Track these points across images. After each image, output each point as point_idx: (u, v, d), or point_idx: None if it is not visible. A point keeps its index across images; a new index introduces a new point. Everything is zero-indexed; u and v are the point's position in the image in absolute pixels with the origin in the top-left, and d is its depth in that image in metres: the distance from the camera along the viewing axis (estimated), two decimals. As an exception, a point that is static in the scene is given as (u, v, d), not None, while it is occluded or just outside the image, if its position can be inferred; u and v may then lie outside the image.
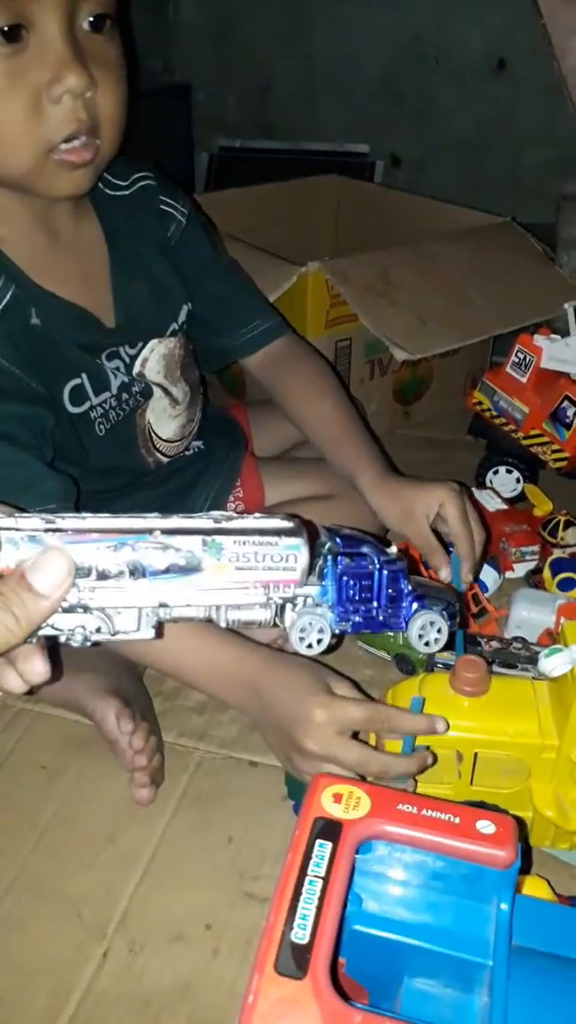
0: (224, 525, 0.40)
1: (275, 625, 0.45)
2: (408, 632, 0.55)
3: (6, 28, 0.59)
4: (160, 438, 0.86)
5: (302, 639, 0.47)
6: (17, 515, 0.38)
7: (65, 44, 0.61)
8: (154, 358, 0.82)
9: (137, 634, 0.40)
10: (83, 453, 0.78)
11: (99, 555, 0.37)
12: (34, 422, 0.70)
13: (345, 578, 0.50)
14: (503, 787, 0.66)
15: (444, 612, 0.56)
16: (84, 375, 0.75)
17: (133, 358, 0.80)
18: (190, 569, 0.39)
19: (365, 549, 0.52)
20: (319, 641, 0.47)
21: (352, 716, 0.61)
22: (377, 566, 0.52)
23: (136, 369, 0.80)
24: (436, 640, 0.56)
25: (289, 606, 0.46)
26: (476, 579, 0.90)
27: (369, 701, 0.65)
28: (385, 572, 0.52)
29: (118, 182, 0.80)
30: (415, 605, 0.55)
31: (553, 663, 0.72)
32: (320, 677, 0.64)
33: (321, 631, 0.48)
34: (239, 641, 0.68)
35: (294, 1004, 0.40)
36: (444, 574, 0.78)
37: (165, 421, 0.85)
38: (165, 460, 0.87)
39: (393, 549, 0.54)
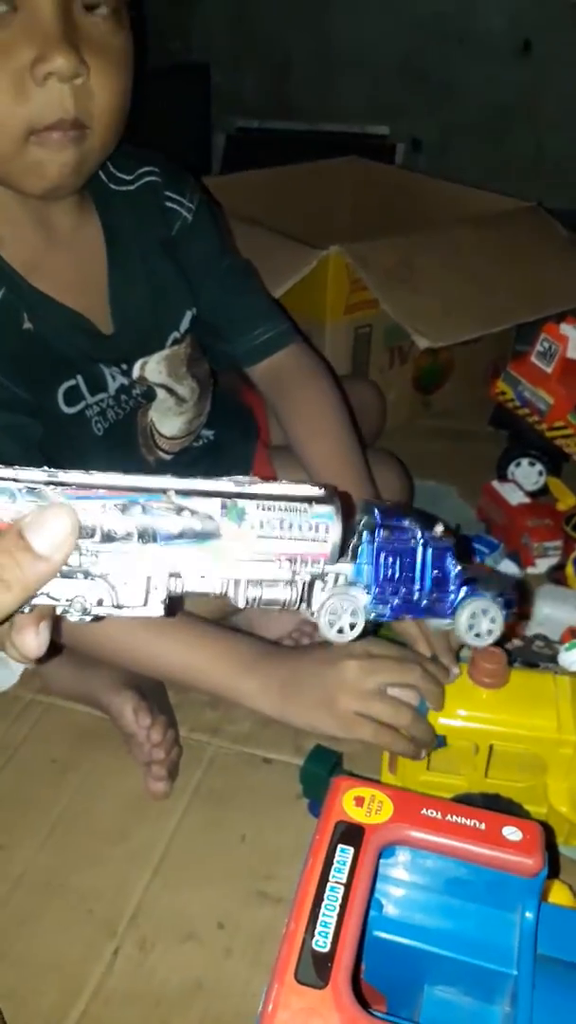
0: (247, 489, 0.36)
1: (300, 607, 0.39)
2: (456, 621, 0.48)
3: None
4: (163, 436, 0.83)
5: (332, 623, 0.41)
6: (17, 467, 0.33)
7: (55, 22, 0.56)
8: (154, 360, 0.79)
9: (144, 610, 0.35)
10: (79, 455, 0.75)
11: (105, 514, 0.33)
12: (20, 432, 0.68)
13: (383, 554, 0.44)
14: (518, 781, 0.65)
15: (499, 599, 0.48)
16: (79, 376, 0.73)
17: (132, 364, 0.77)
18: (206, 535, 0.34)
19: (407, 523, 0.46)
20: (352, 626, 0.42)
21: (380, 649, 0.63)
22: (421, 542, 0.45)
23: (136, 374, 0.77)
24: (489, 632, 0.48)
25: (319, 584, 0.40)
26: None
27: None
28: (430, 549, 0.46)
29: (122, 176, 0.76)
30: (464, 590, 0.47)
31: (574, 657, 0.71)
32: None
33: (354, 614, 0.42)
34: (243, 635, 0.71)
35: (315, 1014, 0.38)
36: (422, 647, 0.69)
37: (170, 419, 0.83)
38: (167, 458, 0.85)
39: (440, 528, 0.47)
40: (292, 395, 0.86)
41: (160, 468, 0.85)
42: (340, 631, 0.41)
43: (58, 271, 0.71)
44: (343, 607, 0.40)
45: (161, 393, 0.80)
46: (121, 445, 0.79)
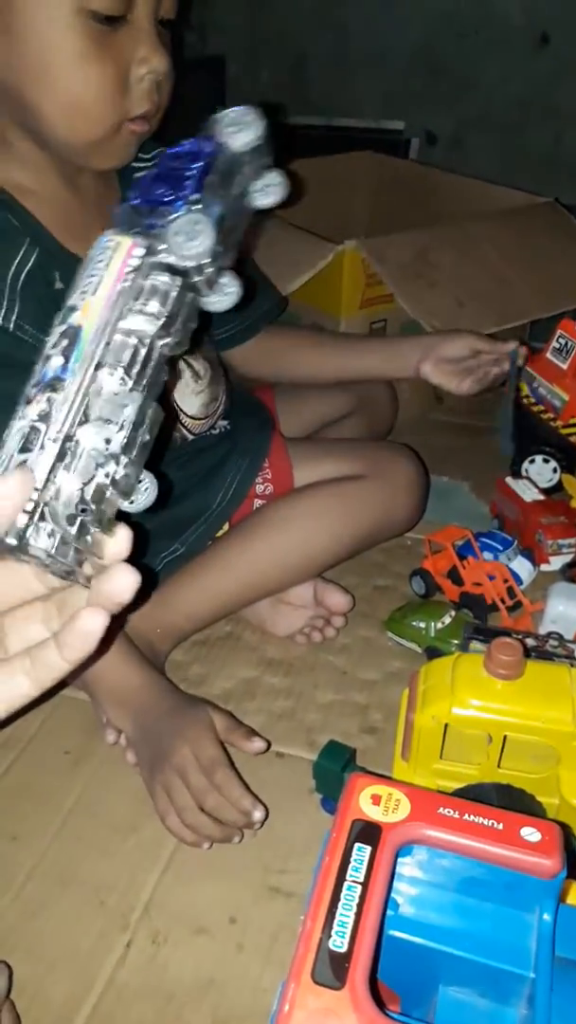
0: None
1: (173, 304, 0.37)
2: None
3: (116, 15, 0.63)
4: (185, 413, 0.85)
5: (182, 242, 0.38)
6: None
7: (152, 30, 0.65)
8: None
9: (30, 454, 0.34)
10: None
11: None
12: None
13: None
14: (531, 772, 0.65)
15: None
16: None
17: None
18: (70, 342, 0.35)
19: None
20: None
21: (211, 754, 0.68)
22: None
23: None
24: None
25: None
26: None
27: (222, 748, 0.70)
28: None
29: (142, 155, 0.79)
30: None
31: (589, 652, 0.70)
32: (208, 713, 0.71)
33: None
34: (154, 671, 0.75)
35: (332, 1015, 0.38)
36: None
37: (188, 396, 0.84)
38: (191, 437, 0.86)
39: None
40: (288, 343, 0.97)
41: (184, 447, 0.86)
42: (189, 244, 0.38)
43: (86, 231, 0.73)
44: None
45: (179, 363, 0.82)
46: None
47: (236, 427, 0.93)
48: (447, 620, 0.85)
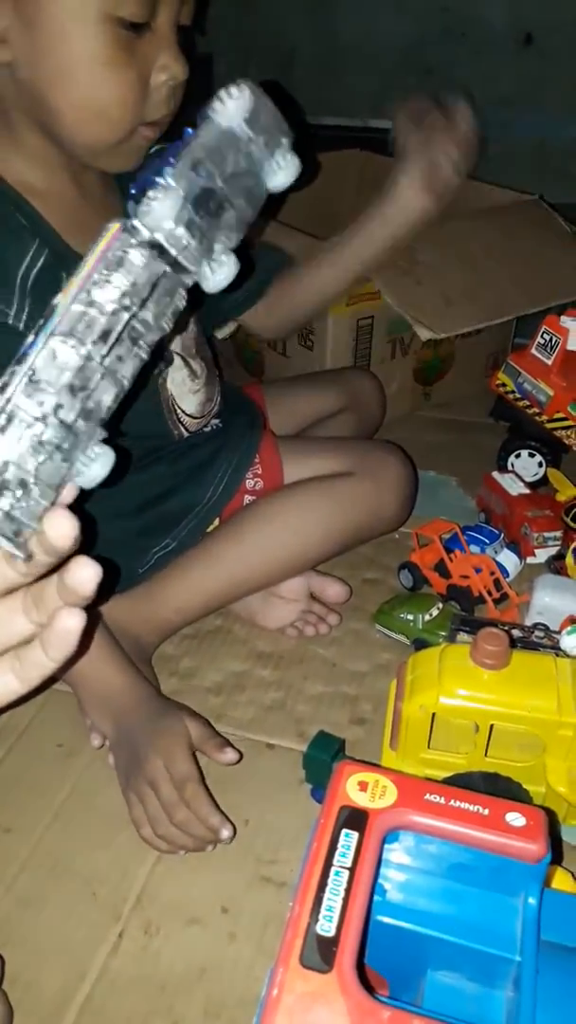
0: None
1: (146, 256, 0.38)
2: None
3: (142, 22, 0.63)
4: (183, 412, 0.85)
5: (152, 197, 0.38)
6: None
7: (173, 37, 0.65)
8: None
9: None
10: (115, 416, 0.78)
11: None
12: None
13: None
14: (517, 760, 0.66)
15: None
16: None
17: None
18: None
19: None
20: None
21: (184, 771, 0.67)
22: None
23: None
24: None
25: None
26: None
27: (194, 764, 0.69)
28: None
29: None
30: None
31: (574, 642, 0.71)
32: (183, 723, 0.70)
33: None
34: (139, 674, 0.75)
35: (320, 998, 0.39)
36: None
37: (186, 395, 0.85)
38: (186, 434, 0.87)
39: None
40: (285, 283, 0.96)
41: (181, 443, 0.87)
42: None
43: (89, 229, 0.73)
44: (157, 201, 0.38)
45: (177, 361, 0.83)
46: (149, 412, 0.82)
47: (227, 424, 0.93)
48: (435, 612, 0.85)
